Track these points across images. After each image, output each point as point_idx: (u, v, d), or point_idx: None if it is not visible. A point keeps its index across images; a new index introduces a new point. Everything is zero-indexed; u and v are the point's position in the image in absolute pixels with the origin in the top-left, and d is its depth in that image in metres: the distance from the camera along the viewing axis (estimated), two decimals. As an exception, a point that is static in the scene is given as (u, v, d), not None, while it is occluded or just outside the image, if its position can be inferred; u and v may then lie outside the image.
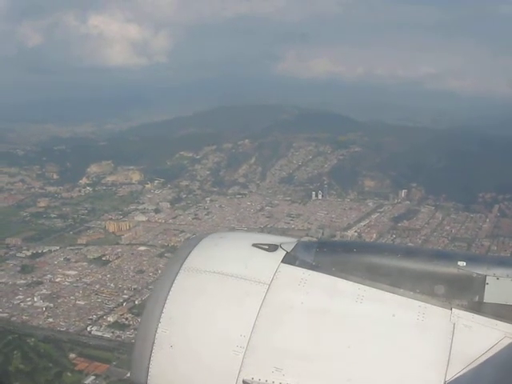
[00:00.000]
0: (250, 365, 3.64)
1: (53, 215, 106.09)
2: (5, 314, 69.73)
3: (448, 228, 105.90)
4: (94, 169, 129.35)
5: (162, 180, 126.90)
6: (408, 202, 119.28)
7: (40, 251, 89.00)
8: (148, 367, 3.79)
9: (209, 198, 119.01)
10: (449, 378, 3.52)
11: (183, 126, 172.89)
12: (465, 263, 3.92)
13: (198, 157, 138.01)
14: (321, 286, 3.91)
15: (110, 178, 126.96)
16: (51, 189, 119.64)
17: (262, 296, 3.84)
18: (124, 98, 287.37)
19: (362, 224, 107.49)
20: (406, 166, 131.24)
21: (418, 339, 3.69)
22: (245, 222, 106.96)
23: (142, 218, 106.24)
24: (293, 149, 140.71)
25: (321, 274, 3.99)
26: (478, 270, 3.88)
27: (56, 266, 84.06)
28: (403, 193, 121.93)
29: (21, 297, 73.85)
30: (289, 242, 4.33)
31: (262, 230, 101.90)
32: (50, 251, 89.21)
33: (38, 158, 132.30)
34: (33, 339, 64.19)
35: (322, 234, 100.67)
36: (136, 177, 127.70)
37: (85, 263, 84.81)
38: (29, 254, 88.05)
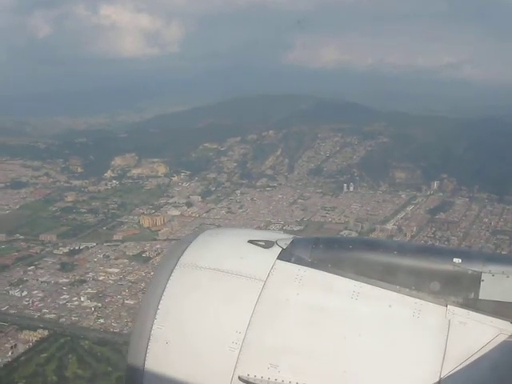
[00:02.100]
0: (246, 361, 3.61)
1: (83, 210, 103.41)
2: (52, 315, 67.20)
3: (486, 220, 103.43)
4: (118, 161, 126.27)
5: (189, 172, 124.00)
6: (441, 194, 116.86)
7: (77, 248, 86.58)
8: (144, 363, 3.72)
9: (239, 191, 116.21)
10: (444, 374, 3.51)
11: (200, 117, 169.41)
12: (460, 260, 3.86)
13: (222, 148, 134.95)
14: (316, 283, 3.87)
15: (135, 171, 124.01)
16: (77, 182, 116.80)
17: (257, 292, 3.80)
18: (135, 88, 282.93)
19: (399, 217, 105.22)
20: (435, 157, 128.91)
21: (413, 335, 3.67)
22: (280, 215, 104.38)
23: (175, 212, 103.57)
24: (319, 140, 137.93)
25: (316, 270, 3.94)
26: (474, 267, 3.84)
27: (96, 263, 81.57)
28: (435, 184, 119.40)
29: (66, 296, 71.37)
30: (285, 239, 4.25)
31: (299, 224, 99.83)
32: (87, 248, 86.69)
33: (60, 151, 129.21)
34: (86, 342, 61.88)
35: (361, 227, 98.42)
36: (162, 169, 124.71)
37: (125, 260, 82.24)
38: (66, 250, 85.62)
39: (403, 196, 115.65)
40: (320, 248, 4.10)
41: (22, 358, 58.39)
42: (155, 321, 3.76)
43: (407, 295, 3.82)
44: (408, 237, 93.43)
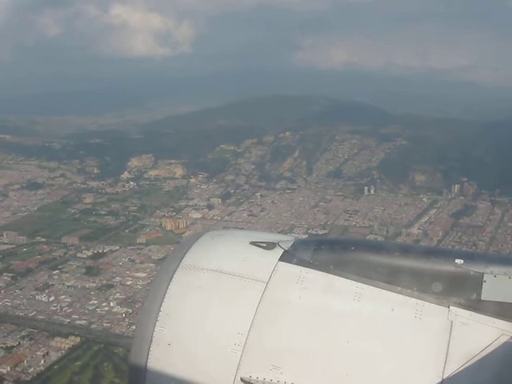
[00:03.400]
0: (248, 363, 3.61)
1: (102, 212, 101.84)
2: (83, 321, 65.51)
3: (511, 225, 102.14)
4: (134, 163, 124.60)
5: (207, 174, 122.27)
6: (462, 198, 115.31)
7: (100, 251, 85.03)
8: (146, 365, 3.72)
9: (259, 194, 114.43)
10: (446, 375, 3.52)
11: (213, 117, 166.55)
12: (462, 261, 3.85)
13: (239, 150, 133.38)
14: (318, 284, 3.86)
15: (152, 173, 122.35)
16: (94, 184, 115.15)
17: (259, 294, 3.79)
18: (145, 88, 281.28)
19: (423, 221, 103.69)
20: (454, 159, 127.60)
21: (415, 337, 3.66)
22: (303, 218, 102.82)
23: (197, 214, 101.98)
24: (336, 142, 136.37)
25: (318, 271, 3.92)
26: (476, 268, 3.82)
27: (122, 267, 79.94)
28: (456, 187, 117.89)
29: (95, 302, 69.74)
30: (287, 240, 4.22)
31: (323, 228, 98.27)
32: (111, 251, 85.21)
33: (75, 152, 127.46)
34: (121, 349, 60.17)
35: (387, 231, 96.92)
36: (179, 171, 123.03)
37: (151, 264, 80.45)
38: (89, 254, 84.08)
39: (424, 199, 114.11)
40: (322, 249, 4.05)
41: (56, 367, 56.78)
42: (157, 323, 3.71)
43: (409, 296, 3.77)
44: (434, 241, 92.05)
